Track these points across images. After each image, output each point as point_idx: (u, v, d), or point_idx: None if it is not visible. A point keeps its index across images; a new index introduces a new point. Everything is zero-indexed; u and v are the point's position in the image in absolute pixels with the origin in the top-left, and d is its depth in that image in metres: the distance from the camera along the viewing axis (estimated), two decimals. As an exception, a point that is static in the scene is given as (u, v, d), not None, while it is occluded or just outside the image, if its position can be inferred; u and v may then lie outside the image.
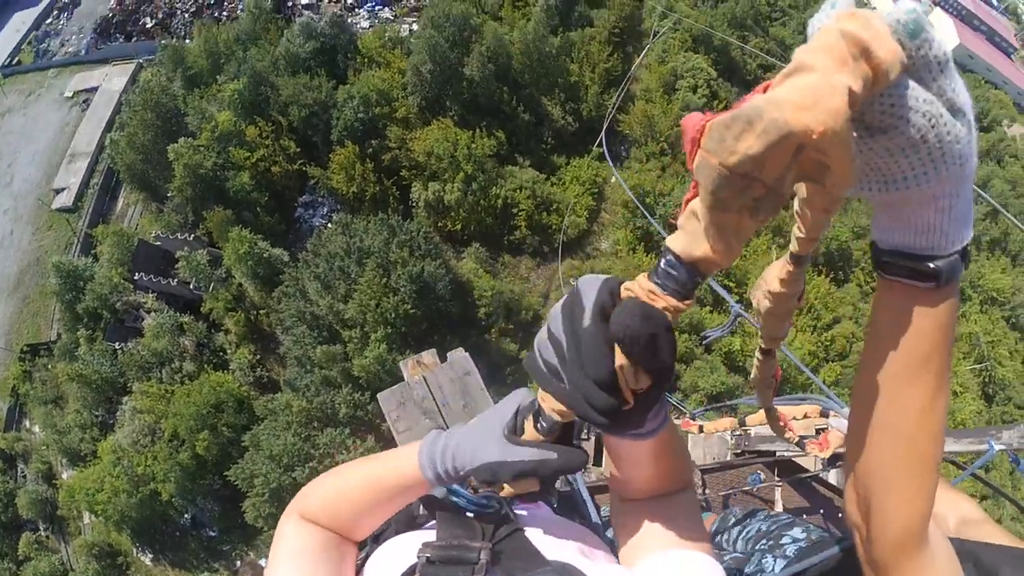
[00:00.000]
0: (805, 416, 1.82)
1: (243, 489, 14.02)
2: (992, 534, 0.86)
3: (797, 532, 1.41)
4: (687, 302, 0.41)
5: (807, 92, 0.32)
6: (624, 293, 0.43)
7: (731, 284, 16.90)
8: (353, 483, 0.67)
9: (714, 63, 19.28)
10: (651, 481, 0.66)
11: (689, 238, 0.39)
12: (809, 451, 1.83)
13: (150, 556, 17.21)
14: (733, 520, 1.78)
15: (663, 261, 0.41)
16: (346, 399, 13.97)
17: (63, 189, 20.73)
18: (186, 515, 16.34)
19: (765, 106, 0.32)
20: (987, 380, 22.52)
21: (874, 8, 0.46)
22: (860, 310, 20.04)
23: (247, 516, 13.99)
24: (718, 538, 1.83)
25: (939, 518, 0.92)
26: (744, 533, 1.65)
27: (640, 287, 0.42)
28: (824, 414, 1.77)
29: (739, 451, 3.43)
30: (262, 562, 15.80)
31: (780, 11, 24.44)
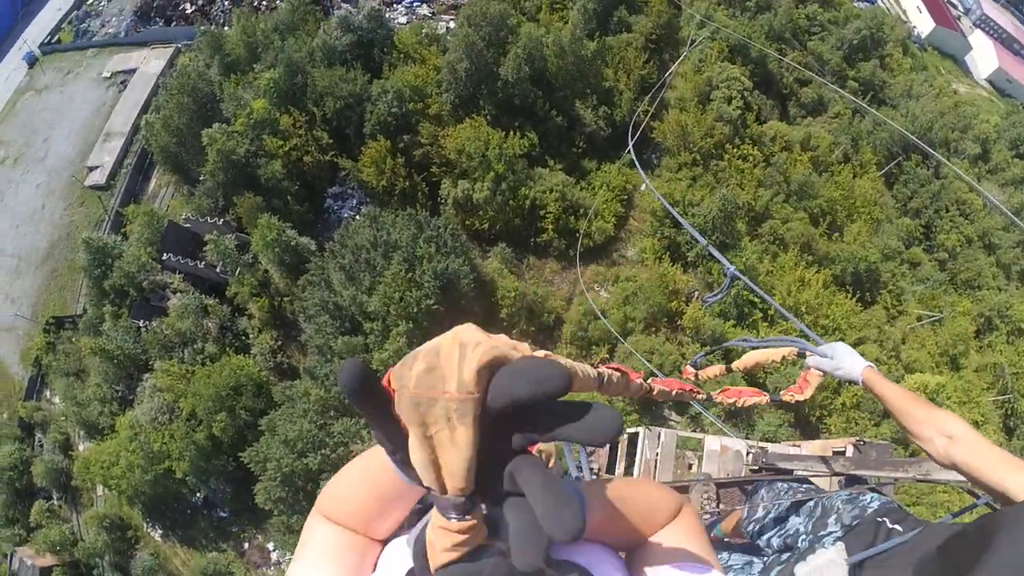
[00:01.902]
0: (783, 359, 1.78)
1: (256, 472, 14.13)
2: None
3: (831, 523, 1.44)
4: (469, 522, 0.47)
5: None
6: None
7: (756, 299, 16.68)
8: (360, 479, 0.65)
9: (750, 74, 19.06)
10: (631, 531, 0.70)
11: (423, 471, 0.45)
12: (787, 399, 1.81)
13: (160, 532, 17.42)
14: (770, 519, 1.77)
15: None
16: (363, 391, 13.99)
17: (97, 167, 21.16)
18: (198, 494, 16.51)
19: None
20: (1009, 412, 21.87)
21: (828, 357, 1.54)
22: (885, 332, 19.61)
23: (258, 499, 14.09)
24: (757, 542, 1.83)
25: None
26: (784, 533, 1.66)
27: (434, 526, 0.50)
28: (801, 355, 1.71)
29: (756, 467, 3.33)
30: (270, 546, 15.90)
31: (819, 26, 24.11)
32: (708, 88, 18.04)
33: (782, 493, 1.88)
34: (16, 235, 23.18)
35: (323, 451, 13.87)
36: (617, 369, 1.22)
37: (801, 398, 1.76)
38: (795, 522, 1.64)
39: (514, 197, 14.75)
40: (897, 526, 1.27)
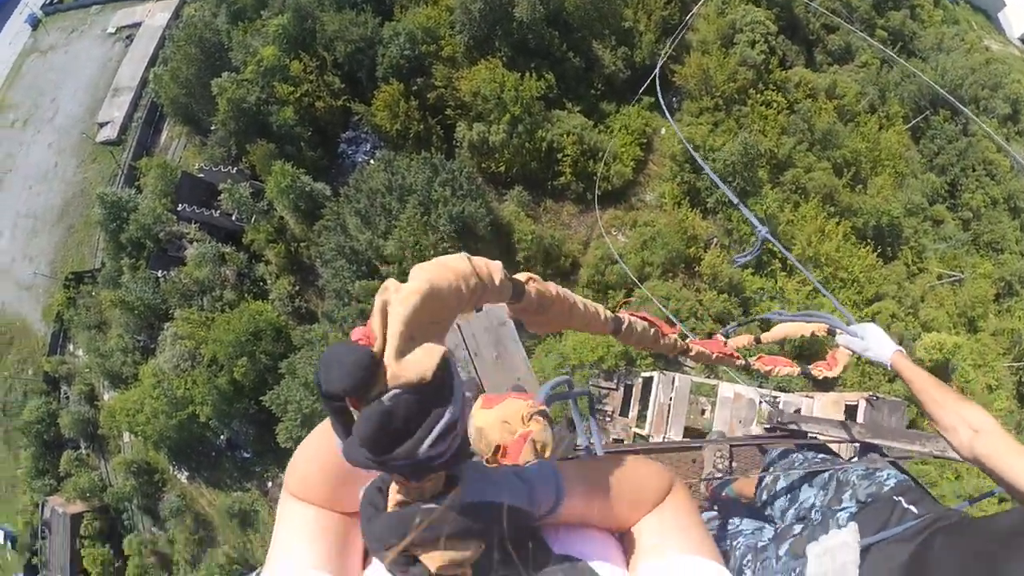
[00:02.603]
0: (812, 335, 1.74)
1: (277, 414, 14.47)
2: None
3: (846, 499, 1.43)
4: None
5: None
6: None
7: (776, 251, 16.40)
8: (318, 453, 0.60)
9: (776, 18, 18.23)
10: (617, 516, 0.66)
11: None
12: (816, 373, 1.78)
13: (185, 474, 18.07)
14: (782, 487, 1.75)
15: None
16: (381, 333, 14.15)
17: (107, 123, 21.04)
18: (222, 437, 17.01)
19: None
20: (1023, 380, 21.66)
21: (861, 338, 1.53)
22: (904, 289, 19.29)
23: (279, 439, 14.47)
24: (767, 509, 1.79)
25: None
26: (798, 504, 1.64)
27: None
28: (831, 332, 1.67)
29: (770, 426, 3.21)
30: (293, 486, 16.42)
31: (848, -30, 22.85)
32: (731, 31, 17.30)
33: (796, 463, 1.85)
34: (30, 195, 23.34)
35: (342, 393, 14.12)
36: (647, 319, 1.12)
37: (830, 374, 1.73)
38: (808, 493, 1.62)
39: (531, 140, 14.42)
40: (912, 507, 1.25)
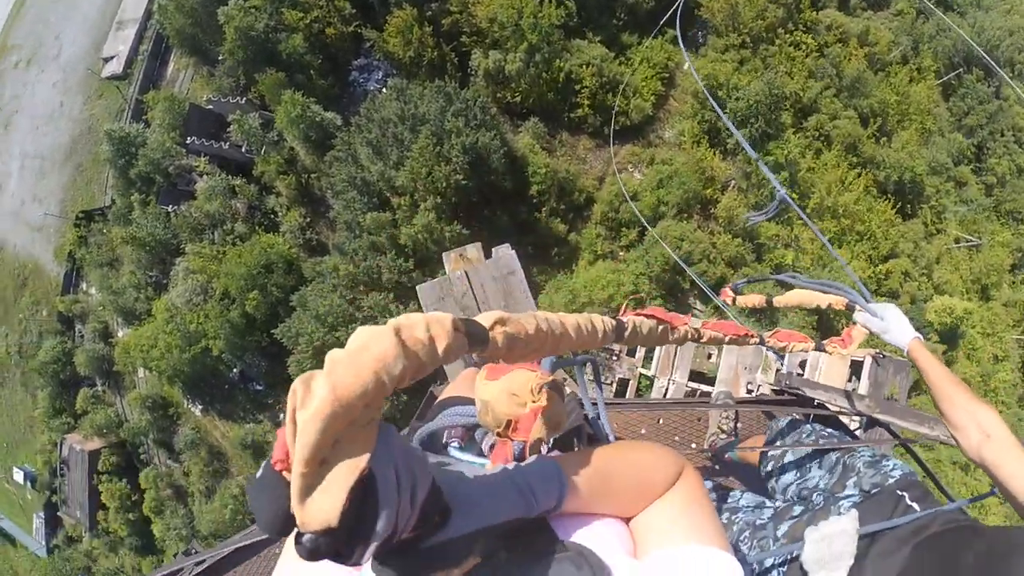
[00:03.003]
0: (829, 307, 1.67)
1: (288, 346, 14.60)
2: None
3: (850, 486, 1.41)
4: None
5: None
6: None
7: (795, 196, 16.02)
8: None
9: (808, -48, 17.23)
10: (624, 505, 0.66)
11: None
12: (830, 350, 1.72)
13: (200, 408, 18.50)
14: (789, 458, 1.73)
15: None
16: (390, 265, 14.09)
17: (112, 57, 20.56)
18: (235, 370, 17.30)
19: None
20: None
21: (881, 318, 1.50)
22: (920, 248, 18.93)
23: (291, 371, 14.64)
24: (771, 482, 1.78)
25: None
26: (802, 482, 1.63)
27: None
28: (850, 308, 1.61)
29: (778, 388, 3.03)
30: (304, 417, 16.78)
31: (886, -90, 21.46)
32: (762, -35, 16.38)
33: (805, 436, 1.83)
34: (37, 136, 23.12)
35: (353, 325, 14.16)
36: (654, 317, 0.97)
37: (844, 352, 1.66)
38: (816, 473, 1.61)
39: (548, 70, 13.91)
40: (915, 504, 1.24)
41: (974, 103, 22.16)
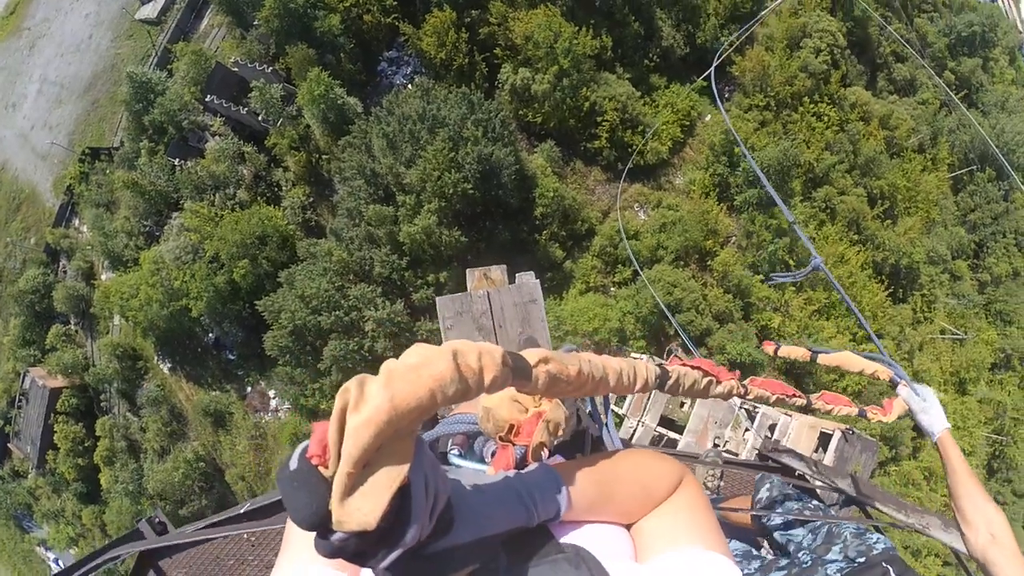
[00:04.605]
0: (874, 375, 1.78)
1: (268, 321, 14.48)
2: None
3: (836, 551, 1.45)
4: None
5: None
6: None
7: (792, 263, 16.18)
8: None
9: (847, 33, 17.58)
10: (625, 513, 0.66)
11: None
12: (871, 417, 1.80)
13: (168, 366, 18.24)
14: (780, 520, 1.80)
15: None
16: (383, 259, 14.05)
17: (149, 1, 20.51)
18: (210, 335, 17.10)
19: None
20: (997, 453, 21.76)
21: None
22: (906, 334, 19.16)
23: (266, 346, 14.52)
24: (757, 535, 1.80)
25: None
26: (787, 537, 1.69)
27: None
28: (893, 382, 1.73)
29: (761, 454, 3.12)
30: (271, 393, 16.61)
31: (932, 5, 22.02)
32: (800, 34, 16.69)
33: (791, 507, 1.91)
34: (60, 63, 22.94)
35: (337, 312, 14.08)
36: (700, 369, 0.97)
37: (884, 420, 1.77)
38: (800, 532, 1.66)
39: (574, 97, 14.04)
40: None
41: (982, 201, 22.59)
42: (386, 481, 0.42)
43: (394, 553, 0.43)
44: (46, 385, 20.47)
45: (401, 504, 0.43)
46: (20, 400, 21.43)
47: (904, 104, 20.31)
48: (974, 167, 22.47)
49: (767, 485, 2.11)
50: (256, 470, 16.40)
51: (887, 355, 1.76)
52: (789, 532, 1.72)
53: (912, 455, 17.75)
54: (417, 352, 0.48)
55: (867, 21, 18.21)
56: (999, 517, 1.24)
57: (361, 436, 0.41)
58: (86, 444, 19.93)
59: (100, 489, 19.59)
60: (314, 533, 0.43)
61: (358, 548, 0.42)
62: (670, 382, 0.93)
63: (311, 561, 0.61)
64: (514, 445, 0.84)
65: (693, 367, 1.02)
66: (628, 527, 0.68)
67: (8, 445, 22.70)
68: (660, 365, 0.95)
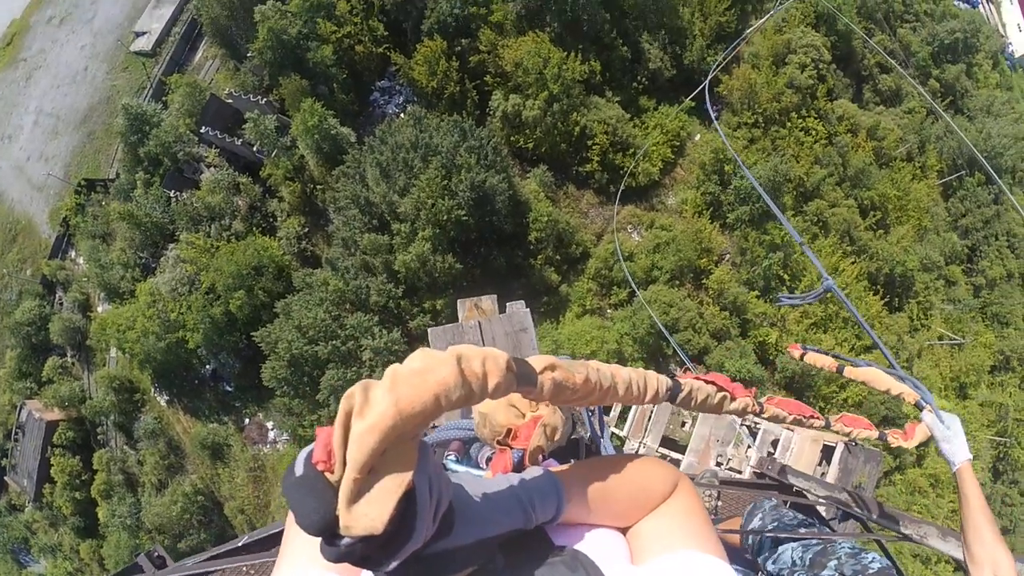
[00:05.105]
0: (899, 396, 1.76)
1: (265, 352, 14.43)
2: None
3: (831, 567, 1.44)
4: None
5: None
6: None
7: (787, 277, 16.25)
8: None
9: (832, 47, 17.89)
10: (621, 516, 0.66)
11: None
12: (892, 441, 1.77)
13: (166, 398, 18.11)
14: (768, 539, 1.78)
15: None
16: (379, 288, 14.07)
17: (144, 33, 20.77)
18: (207, 366, 17.02)
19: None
20: (1001, 456, 21.67)
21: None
22: (903, 342, 19.18)
23: (263, 377, 14.45)
24: (749, 552, 1.82)
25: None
26: (775, 557, 1.67)
27: None
28: (919, 406, 1.70)
29: (760, 472, 3.11)
30: (269, 424, 16.48)
31: (914, 15, 22.44)
32: (786, 51, 16.98)
33: (786, 520, 1.89)
34: (57, 95, 23.13)
35: (334, 342, 14.06)
36: (714, 384, 0.96)
37: (905, 445, 1.73)
38: (789, 545, 1.64)
39: (564, 121, 14.21)
40: None
41: (972, 206, 22.77)
42: (392, 486, 0.42)
43: (400, 556, 0.44)
44: (43, 418, 20.28)
45: (406, 508, 0.43)
46: (16, 433, 21.20)
47: (891, 114, 20.58)
48: (963, 172, 22.70)
49: (759, 515, 2.07)
50: (255, 502, 16.21)
51: (918, 382, 1.73)
52: (780, 560, 1.69)
53: (916, 463, 17.64)
54: (421, 357, 0.47)
55: (851, 35, 18.56)
56: (1007, 561, 1.21)
57: (367, 442, 0.41)
58: (83, 477, 19.68)
59: (98, 523, 19.30)
60: (318, 538, 0.43)
61: (364, 552, 0.42)
62: (682, 395, 0.89)
63: (311, 562, 0.61)
64: (512, 449, 0.84)
65: (707, 382, 0.99)
66: (624, 531, 0.69)
67: (5, 478, 22.40)
68: (673, 377, 0.92)
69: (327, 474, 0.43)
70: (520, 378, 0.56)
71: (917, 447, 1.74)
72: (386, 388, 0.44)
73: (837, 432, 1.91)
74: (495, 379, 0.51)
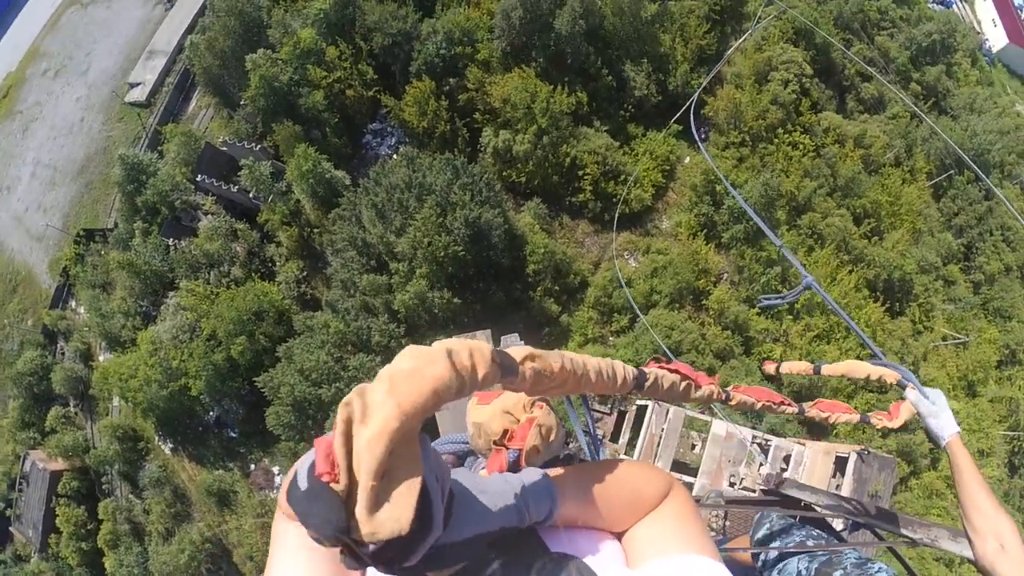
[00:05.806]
0: (880, 379, 1.74)
1: (268, 397, 14.40)
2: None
3: None
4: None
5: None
6: None
7: (784, 291, 16.27)
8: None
9: (812, 60, 18.23)
10: (614, 519, 0.67)
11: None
12: (876, 423, 1.73)
13: (170, 446, 17.99)
14: (774, 552, 1.77)
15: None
16: (381, 328, 14.10)
17: (138, 84, 21.18)
18: (211, 413, 16.94)
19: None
20: (1016, 450, 21.43)
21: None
22: (908, 346, 19.13)
23: (268, 422, 14.39)
24: (759, 563, 1.83)
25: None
26: (782, 569, 1.66)
27: None
28: (901, 385, 1.67)
29: (767, 488, 3.13)
30: (275, 469, 16.34)
31: (890, 22, 22.90)
32: (767, 68, 17.30)
33: (795, 538, 1.87)
34: (53, 146, 23.47)
35: (337, 384, 14.04)
36: (678, 372, 1.04)
37: (890, 425, 1.69)
38: (793, 560, 1.64)
39: (555, 153, 14.42)
40: None
41: (964, 204, 22.92)
42: (409, 486, 0.43)
43: (423, 549, 0.45)
44: (47, 468, 20.11)
45: (422, 504, 0.44)
46: (21, 483, 21.00)
47: (876, 121, 20.87)
48: (952, 171, 22.91)
49: (767, 524, 2.04)
50: (264, 549, 15.99)
51: (890, 360, 1.73)
52: (785, 571, 1.66)
53: (931, 466, 17.44)
54: (412, 354, 0.48)
55: (830, 47, 18.95)
56: (1008, 526, 1.19)
57: (376, 448, 0.41)
58: (89, 527, 19.43)
59: (105, 573, 19.00)
60: (309, 535, 0.43)
61: (389, 555, 0.42)
62: (648, 383, 0.93)
63: (307, 551, 0.61)
64: (507, 449, 0.85)
65: (671, 371, 1.02)
66: (619, 536, 0.69)
67: (10, 528, 22.11)
68: (638, 367, 0.94)
69: (332, 484, 0.43)
70: (503, 369, 0.59)
71: (904, 426, 1.69)
72: (385, 391, 0.44)
73: (813, 418, 1.87)
74: (483, 370, 0.53)
